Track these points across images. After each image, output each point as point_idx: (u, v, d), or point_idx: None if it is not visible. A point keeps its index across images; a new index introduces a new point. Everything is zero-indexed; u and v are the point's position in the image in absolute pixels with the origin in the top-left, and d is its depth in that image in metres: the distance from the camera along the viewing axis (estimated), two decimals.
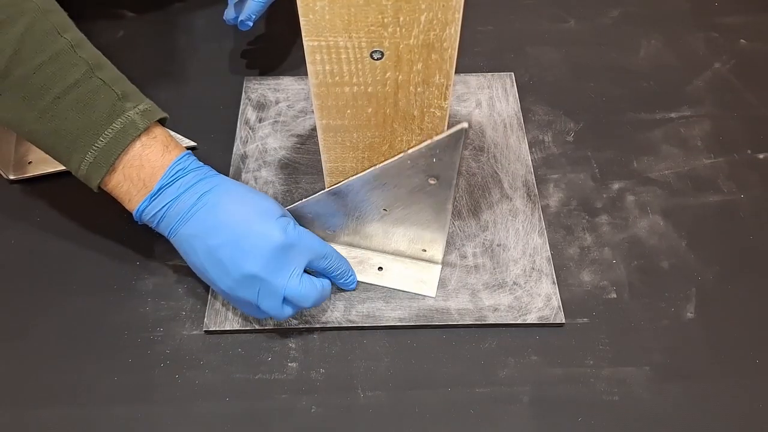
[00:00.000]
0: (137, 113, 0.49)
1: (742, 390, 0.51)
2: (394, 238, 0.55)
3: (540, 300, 0.54)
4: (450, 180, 0.48)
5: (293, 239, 0.49)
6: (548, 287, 0.55)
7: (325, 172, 0.53)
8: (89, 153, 0.48)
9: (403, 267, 0.57)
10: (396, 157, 0.47)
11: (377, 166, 0.48)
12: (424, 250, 0.56)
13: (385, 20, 0.39)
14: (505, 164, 0.64)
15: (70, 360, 0.52)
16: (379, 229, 0.55)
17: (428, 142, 0.45)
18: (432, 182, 0.48)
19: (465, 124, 0.43)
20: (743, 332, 0.54)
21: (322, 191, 0.52)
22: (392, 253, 0.57)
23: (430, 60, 0.42)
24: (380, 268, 0.57)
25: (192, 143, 0.65)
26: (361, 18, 0.39)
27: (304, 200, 0.53)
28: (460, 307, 0.54)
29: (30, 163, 0.64)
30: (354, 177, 0.50)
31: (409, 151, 0.46)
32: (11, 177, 0.62)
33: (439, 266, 0.57)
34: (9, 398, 0.51)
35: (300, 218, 0.54)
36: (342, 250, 0.57)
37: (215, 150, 0.65)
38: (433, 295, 0.55)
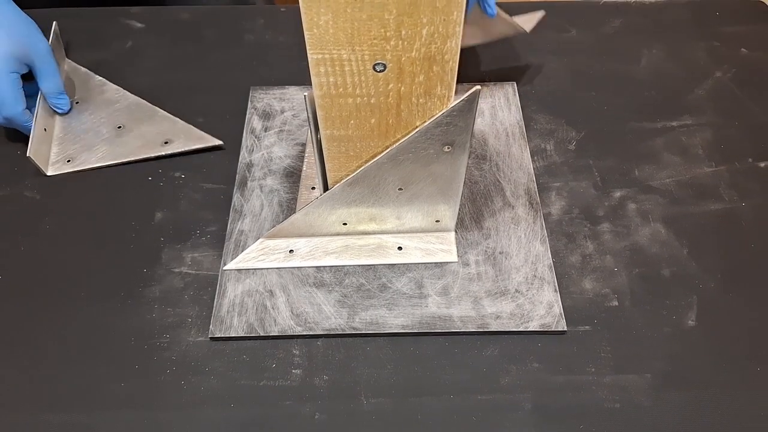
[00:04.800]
0: None
1: (744, 398, 0.51)
2: (409, 216, 0.57)
3: (542, 308, 0.55)
4: (464, 144, 0.49)
5: None
6: (550, 295, 0.56)
7: (329, 181, 0.54)
8: None
9: (420, 242, 0.59)
10: (412, 133, 0.48)
11: (393, 146, 0.49)
12: (438, 221, 0.58)
13: (388, 34, 0.40)
14: (507, 173, 0.64)
15: (76, 366, 0.53)
16: (394, 211, 0.56)
17: (444, 110, 0.46)
18: (447, 150, 0.49)
19: (478, 87, 0.44)
20: (744, 340, 0.54)
21: (339, 183, 0.53)
22: (407, 232, 0.59)
23: (431, 72, 0.43)
24: (400, 248, 0.58)
25: (218, 141, 0.67)
26: (364, 32, 0.40)
27: (318, 197, 0.54)
28: (462, 315, 0.55)
29: (69, 162, 0.66)
30: (370, 162, 0.50)
31: (426, 124, 0.47)
32: (49, 173, 0.65)
33: (453, 233, 0.59)
34: (15, 403, 0.51)
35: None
36: (357, 239, 0.59)
37: (221, 158, 0.66)
38: (456, 260, 0.57)
